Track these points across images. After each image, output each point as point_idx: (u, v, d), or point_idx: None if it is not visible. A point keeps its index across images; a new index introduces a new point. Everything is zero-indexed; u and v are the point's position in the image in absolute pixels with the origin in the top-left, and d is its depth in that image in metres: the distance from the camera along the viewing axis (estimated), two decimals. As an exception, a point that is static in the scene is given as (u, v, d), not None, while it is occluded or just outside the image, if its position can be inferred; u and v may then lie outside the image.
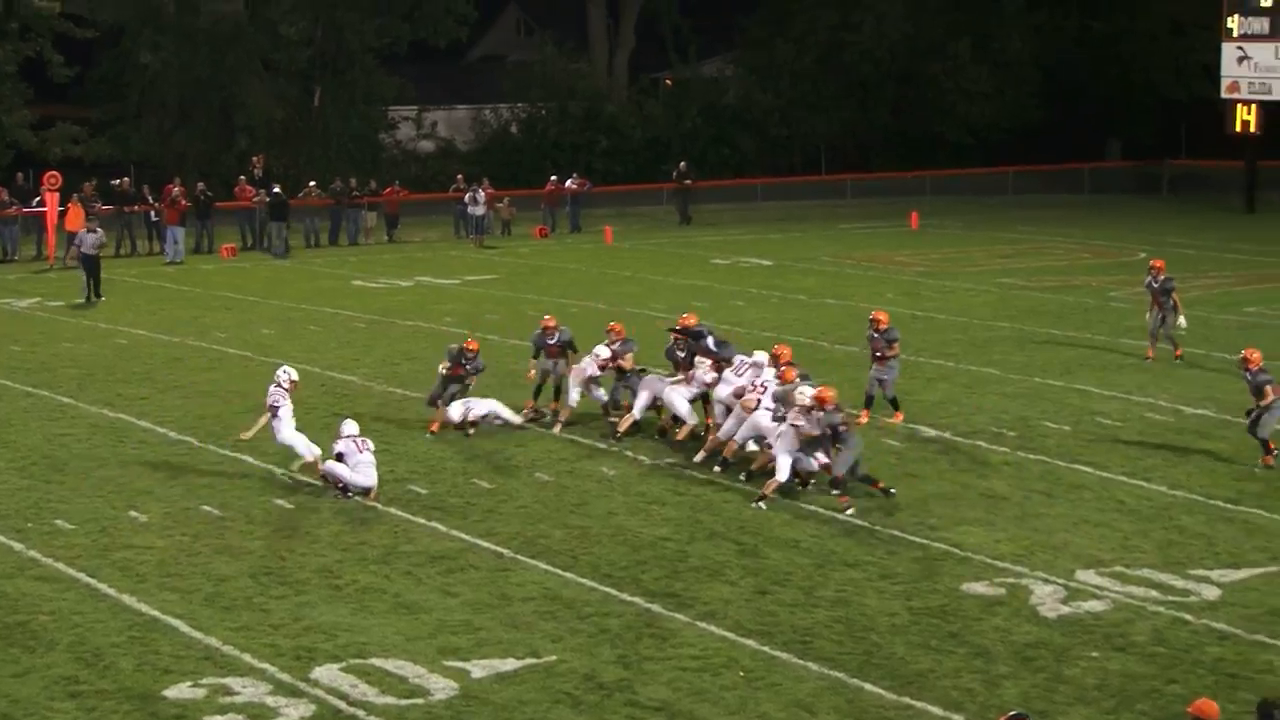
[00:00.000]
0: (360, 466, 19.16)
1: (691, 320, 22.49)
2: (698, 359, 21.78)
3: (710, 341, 21.89)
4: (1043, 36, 61.09)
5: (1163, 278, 27.37)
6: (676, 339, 22.27)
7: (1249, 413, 21.03)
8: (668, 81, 63.64)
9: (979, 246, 42.92)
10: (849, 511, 18.55)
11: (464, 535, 17.91)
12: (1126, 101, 61.98)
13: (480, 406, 22.39)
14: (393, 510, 18.81)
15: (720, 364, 21.47)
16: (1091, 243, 43.17)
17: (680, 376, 22.08)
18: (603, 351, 22.39)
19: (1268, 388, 20.76)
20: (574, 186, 48.34)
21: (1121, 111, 62.36)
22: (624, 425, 21.97)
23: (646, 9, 63.21)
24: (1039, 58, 60.72)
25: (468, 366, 22.25)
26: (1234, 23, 48.73)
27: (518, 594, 16.08)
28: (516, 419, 22.49)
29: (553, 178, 48.92)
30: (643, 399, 22.09)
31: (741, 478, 19.94)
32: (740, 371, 21.05)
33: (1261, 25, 48.02)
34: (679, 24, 63.77)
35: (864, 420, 22.51)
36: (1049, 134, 59.58)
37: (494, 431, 22.25)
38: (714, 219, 49.12)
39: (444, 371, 22.28)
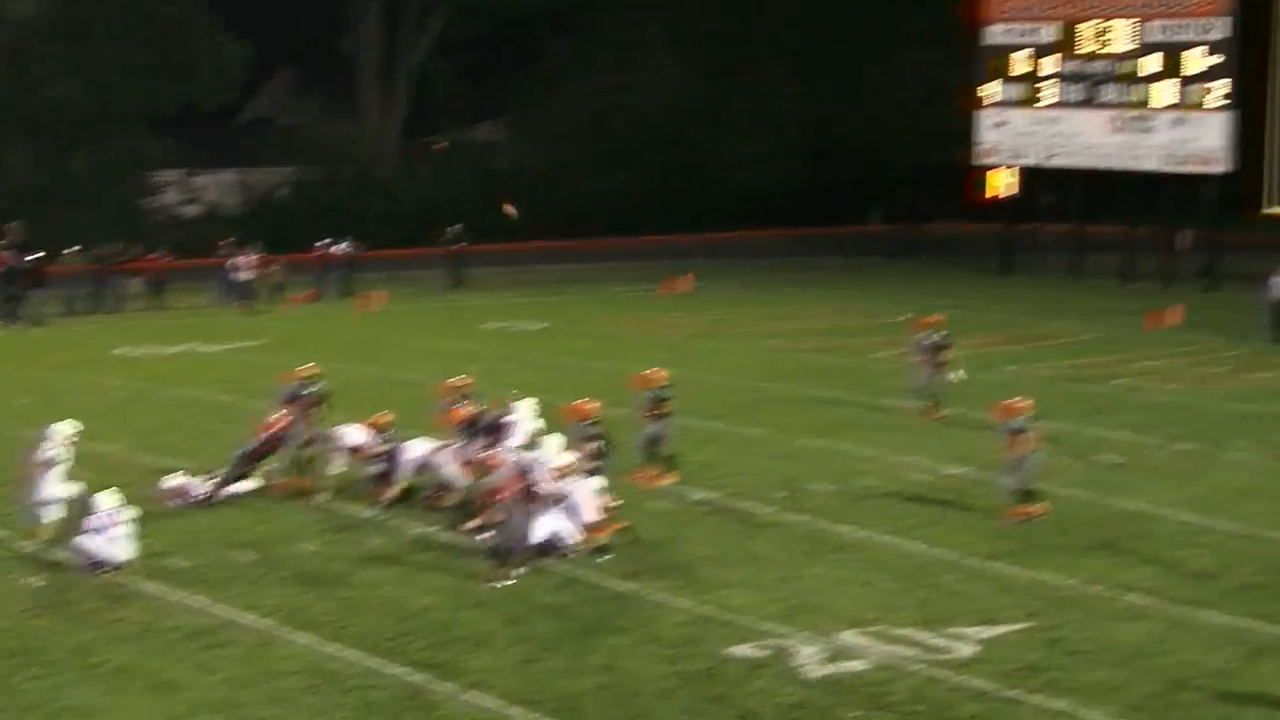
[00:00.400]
0: (115, 539, 18.64)
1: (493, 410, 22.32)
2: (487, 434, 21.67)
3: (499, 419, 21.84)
4: (809, 102, 62.29)
5: (937, 335, 28.06)
6: (469, 422, 22.01)
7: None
8: (440, 146, 63.52)
9: (749, 309, 43.47)
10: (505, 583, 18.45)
11: (225, 609, 17.52)
12: (888, 166, 63.38)
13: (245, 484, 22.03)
14: (151, 585, 18.33)
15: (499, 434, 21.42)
16: (855, 305, 44.00)
17: (450, 443, 21.91)
18: (354, 437, 22.19)
19: (1018, 437, 21.30)
20: (345, 251, 47.90)
21: (883, 176, 63.76)
22: (389, 494, 21.74)
23: (418, 73, 63.09)
24: (806, 123, 61.89)
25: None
26: (988, 90, 50.24)
27: (281, 668, 15.76)
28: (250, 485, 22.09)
29: (323, 242, 48.39)
30: (409, 465, 21.88)
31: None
32: (510, 439, 21.04)
33: (1015, 92, 49.58)
34: (451, 88, 63.75)
35: (658, 482, 22.66)
36: (815, 198, 60.65)
37: (254, 501, 21.84)
38: (486, 283, 49.04)
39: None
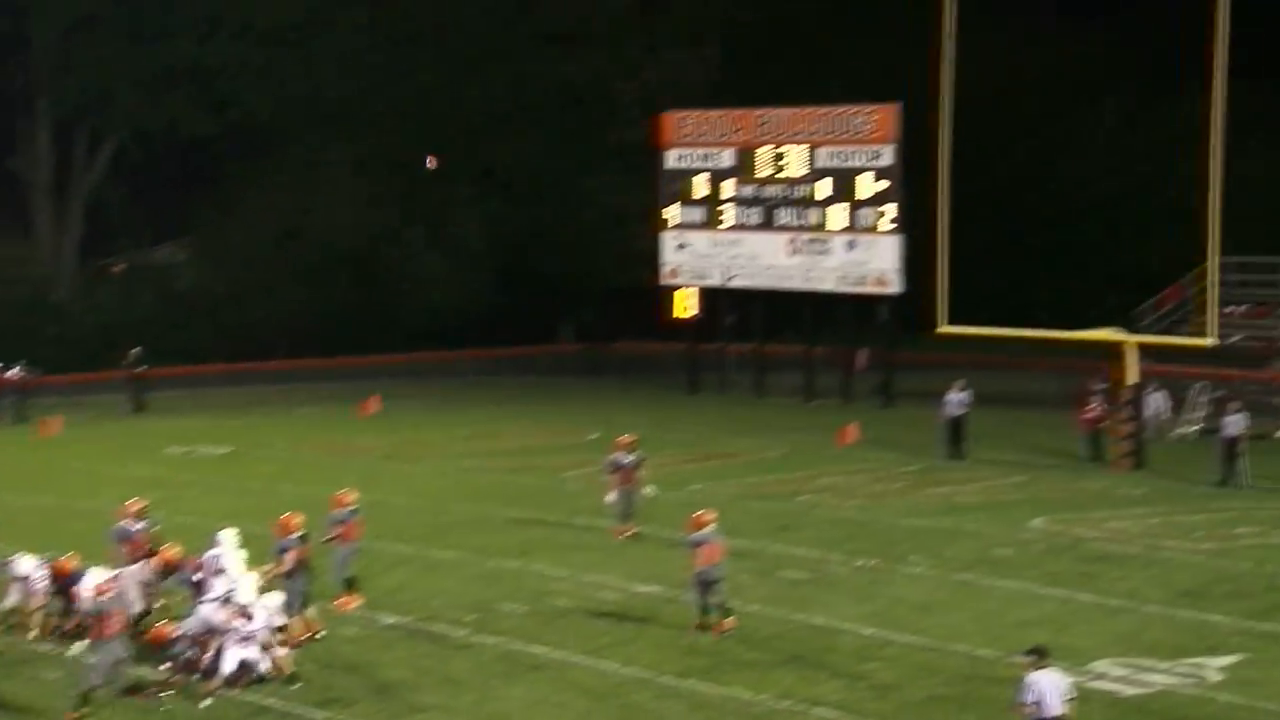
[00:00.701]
0: None
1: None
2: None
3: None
4: (496, 223, 62.79)
5: (632, 453, 28.40)
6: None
7: (702, 581, 21.90)
8: (119, 267, 62.05)
9: (438, 430, 43.33)
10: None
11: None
12: (576, 287, 64.22)
13: None
14: None
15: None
16: (546, 424, 44.24)
17: (127, 569, 21.29)
18: (25, 567, 21.54)
19: (700, 550, 21.81)
20: (18, 375, 46.31)
21: (572, 296, 64.58)
22: (68, 626, 21.04)
23: (94, 193, 61.64)
24: (493, 243, 62.34)
25: None
26: (671, 213, 51.36)
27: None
28: None
29: (-5, 366, 46.72)
30: (88, 595, 21.19)
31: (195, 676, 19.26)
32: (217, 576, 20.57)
33: (697, 215, 50.76)
34: (129, 209, 62.43)
35: (345, 606, 22.33)
36: (504, 318, 61.01)
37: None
38: (169, 407, 47.90)
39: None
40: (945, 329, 39.57)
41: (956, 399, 38.06)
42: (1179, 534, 28.81)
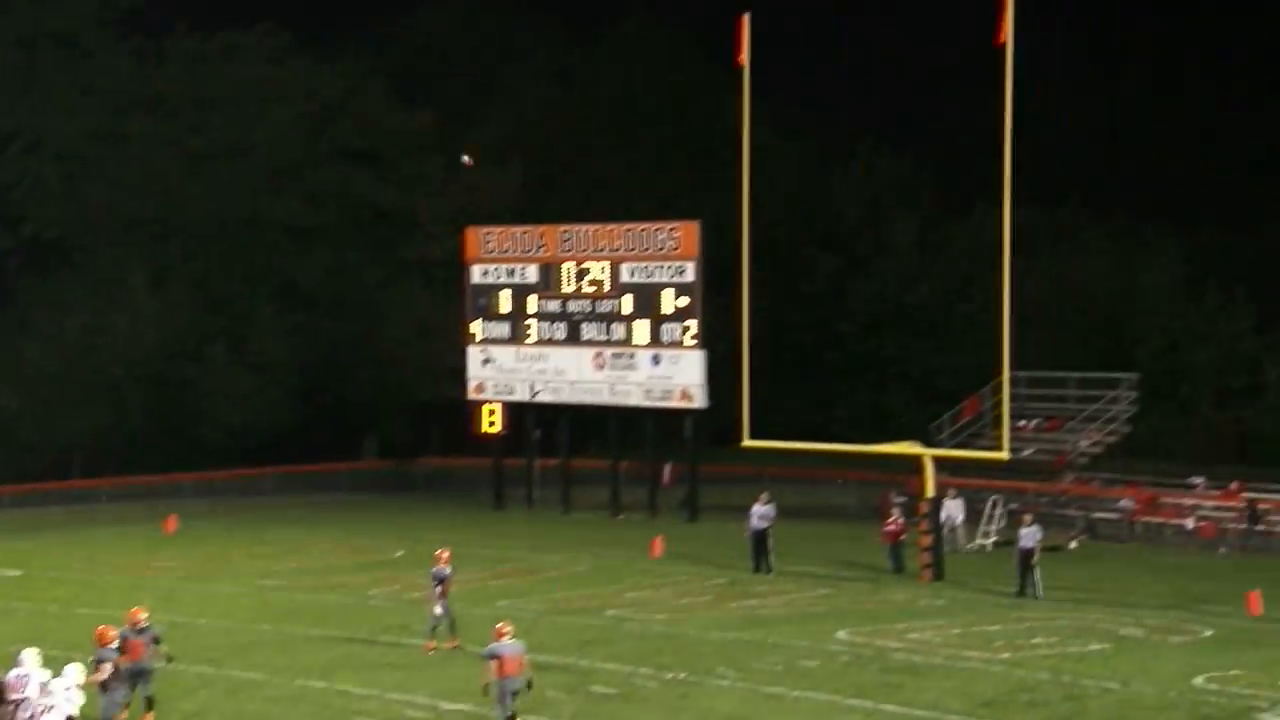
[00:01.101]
0: None
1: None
2: None
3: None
4: (298, 338, 62.29)
5: (448, 569, 28.23)
6: None
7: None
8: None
9: (240, 548, 42.60)
10: None
11: None
12: (380, 402, 63.86)
13: None
14: None
15: None
16: (350, 541, 43.74)
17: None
18: None
19: (494, 662, 21.81)
20: None
21: (377, 412, 64.17)
22: None
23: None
24: (295, 359, 61.79)
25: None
26: (477, 327, 51.41)
27: None
28: None
29: None
30: None
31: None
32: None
33: (502, 330, 50.87)
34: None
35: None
36: (308, 434, 60.37)
37: None
38: (-42, 528, 46.47)
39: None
40: (749, 443, 40.06)
41: (760, 512, 38.46)
42: (979, 644, 29.35)
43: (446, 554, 28.85)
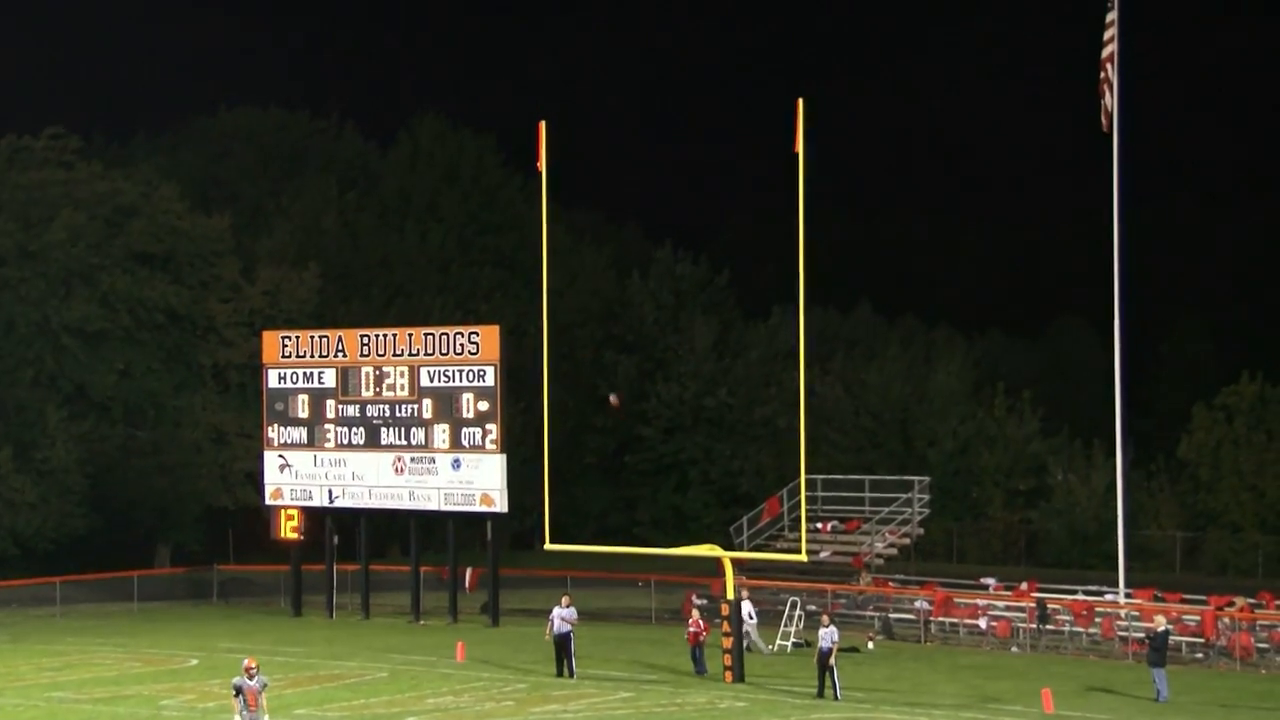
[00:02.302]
0: None
1: None
2: None
3: None
4: (88, 445, 61.06)
5: (256, 679, 27.70)
6: None
7: None
8: None
9: (26, 660, 41.42)
10: None
11: None
12: (174, 509, 62.77)
13: None
14: None
15: None
16: (143, 651, 42.80)
17: None
18: None
19: None
20: None
21: (170, 519, 63.06)
22: None
23: None
24: (85, 466, 60.54)
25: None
26: (274, 432, 50.86)
27: None
28: None
29: None
30: None
31: None
32: None
33: (300, 435, 50.40)
34: None
35: None
36: (99, 541, 59.07)
37: None
38: None
39: None
40: (551, 546, 40.08)
41: (562, 614, 38.39)
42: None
43: (253, 662, 28.22)
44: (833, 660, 35.05)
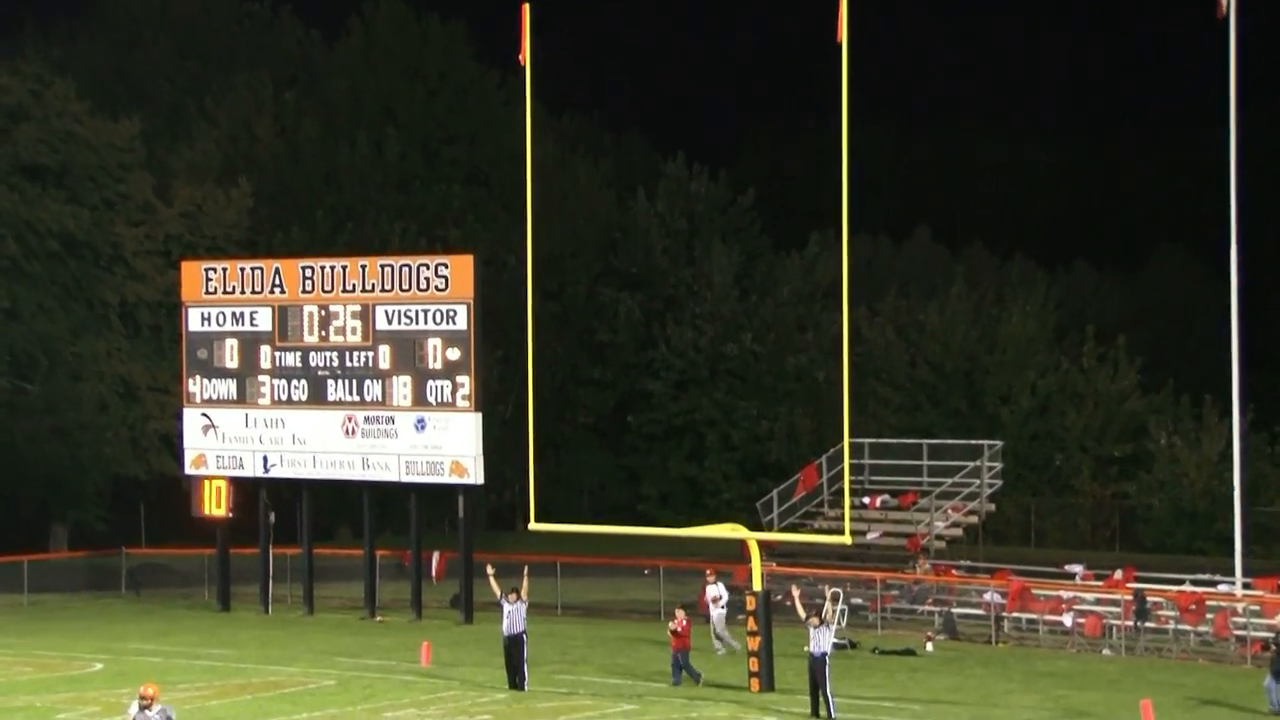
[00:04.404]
0: None
1: None
2: None
3: None
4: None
5: (157, 712, 27.46)
6: None
7: None
8: None
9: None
10: None
11: None
12: (72, 480, 62.75)
13: None
14: None
15: None
16: (35, 654, 42.86)
17: None
18: None
19: None
20: None
21: (67, 492, 63.04)
22: None
23: None
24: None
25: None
26: (196, 385, 50.72)
27: None
28: None
29: None
30: None
31: None
32: None
33: (228, 389, 50.23)
34: None
35: None
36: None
37: None
38: None
39: None
40: (537, 526, 39.97)
41: (509, 610, 37.56)
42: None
43: (152, 690, 27.44)
44: (828, 670, 34.20)
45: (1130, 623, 43.72)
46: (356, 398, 48.46)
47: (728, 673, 38.27)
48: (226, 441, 50.41)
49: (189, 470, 51.25)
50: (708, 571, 42.89)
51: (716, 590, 41.91)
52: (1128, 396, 72.46)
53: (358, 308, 48.37)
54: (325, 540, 52.72)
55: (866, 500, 50.48)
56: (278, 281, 49.58)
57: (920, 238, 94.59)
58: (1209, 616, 43.18)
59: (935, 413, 72.24)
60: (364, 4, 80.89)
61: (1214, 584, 45.42)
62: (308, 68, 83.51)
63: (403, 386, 47.84)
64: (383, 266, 48.47)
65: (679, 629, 38.14)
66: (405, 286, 47.74)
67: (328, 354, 48.80)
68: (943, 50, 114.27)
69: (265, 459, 49.86)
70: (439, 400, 47.34)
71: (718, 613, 41.81)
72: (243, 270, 50.36)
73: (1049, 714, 35.18)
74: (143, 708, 25.91)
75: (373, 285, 48.19)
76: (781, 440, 72.36)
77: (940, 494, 50.16)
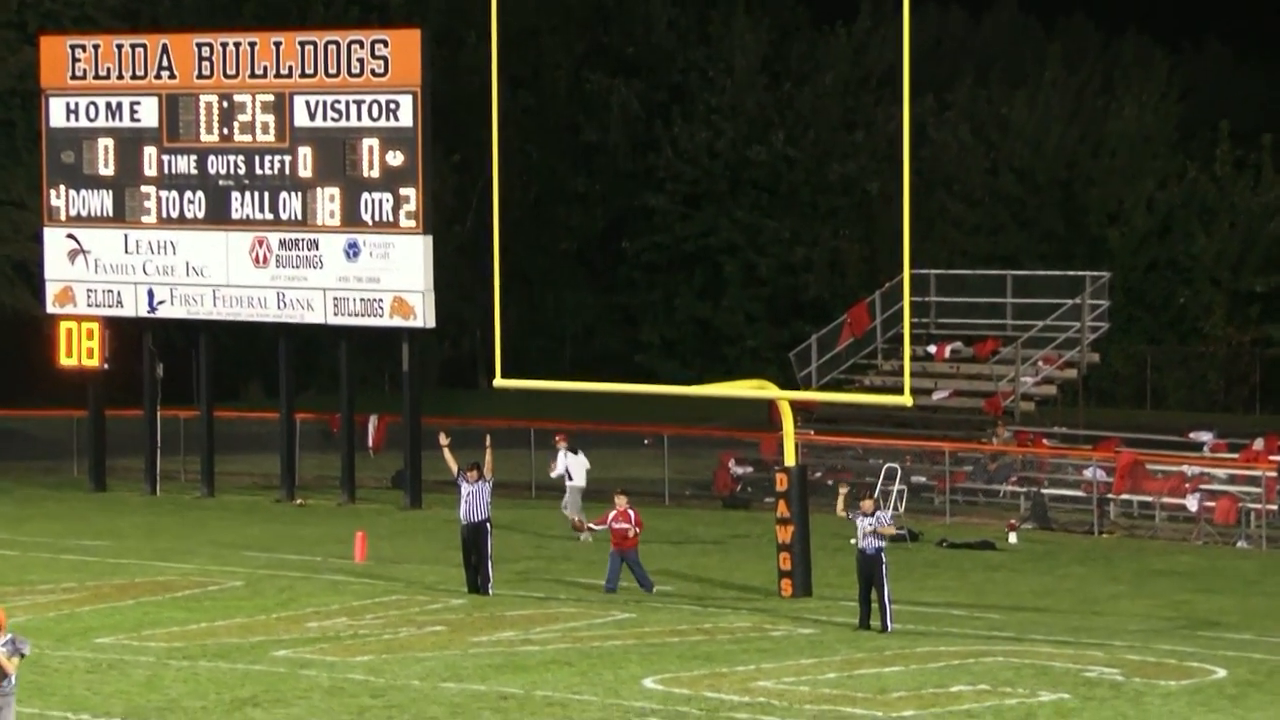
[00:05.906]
0: None
1: None
2: None
3: None
4: None
5: (4, 642, 27.48)
6: None
7: None
8: None
9: None
10: None
11: None
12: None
13: None
14: None
15: None
16: None
17: None
18: None
19: None
20: None
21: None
22: None
23: None
24: None
25: None
26: (60, 198, 50.49)
27: None
28: None
29: None
30: None
31: None
32: None
33: (102, 203, 50.04)
34: None
35: None
36: None
37: None
38: None
39: None
40: (504, 382, 39.93)
41: (469, 491, 37.69)
42: (869, 693, 29.60)
43: None
44: (884, 570, 34.22)
45: (1274, 507, 43.84)
46: (269, 215, 48.44)
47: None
48: (100, 271, 50.36)
49: (51, 308, 51.23)
50: (557, 438, 42.94)
51: (566, 460, 42.32)
52: (1274, 214, 72.29)
53: (270, 98, 48.24)
54: (230, 401, 52.76)
55: (933, 349, 50.57)
56: (165, 63, 49.41)
57: (1005, 7, 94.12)
58: (1376, 498, 43.42)
59: (1022, 236, 72.16)
60: None
61: (1383, 458, 45.55)
62: None
63: (329, 201, 47.79)
64: (302, 44, 48.30)
65: (623, 522, 37.72)
66: (332, 70, 47.63)
67: (231, 158, 48.73)
68: None
69: (151, 294, 49.86)
70: (376, 219, 47.27)
71: (575, 485, 42.47)
72: (120, 48, 50.15)
73: (1167, 623, 35.29)
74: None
75: (290, 68, 48.07)
76: (822, 272, 72.31)
77: (1028, 341, 50.11)
